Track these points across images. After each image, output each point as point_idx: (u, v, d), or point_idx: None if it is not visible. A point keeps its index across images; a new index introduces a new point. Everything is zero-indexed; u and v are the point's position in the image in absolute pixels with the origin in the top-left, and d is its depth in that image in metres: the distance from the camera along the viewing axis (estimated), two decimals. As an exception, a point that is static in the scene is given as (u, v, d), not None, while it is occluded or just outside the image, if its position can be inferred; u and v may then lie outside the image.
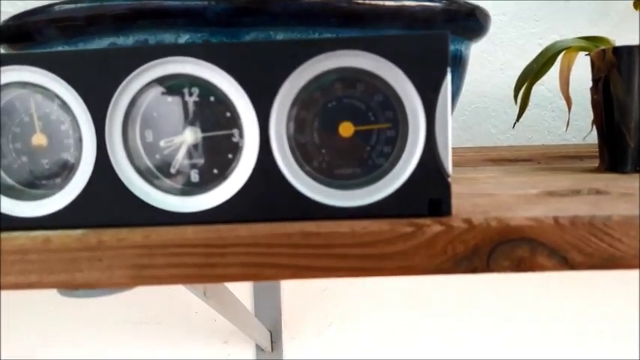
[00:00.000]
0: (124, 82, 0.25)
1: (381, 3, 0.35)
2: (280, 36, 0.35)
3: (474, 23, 0.41)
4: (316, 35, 0.36)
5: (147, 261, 0.24)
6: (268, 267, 0.24)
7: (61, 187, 0.26)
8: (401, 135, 0.25)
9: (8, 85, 0.25)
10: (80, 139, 0.25)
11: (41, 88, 0.25)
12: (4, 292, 0.79)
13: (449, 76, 0.24)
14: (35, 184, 0.26)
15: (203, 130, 0.26)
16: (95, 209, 0.25)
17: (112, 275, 0.24)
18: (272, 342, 0.78)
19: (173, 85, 0.25)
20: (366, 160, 0.26)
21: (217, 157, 0.26)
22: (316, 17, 0.35)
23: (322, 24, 0.35)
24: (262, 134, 0.25)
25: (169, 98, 0.26)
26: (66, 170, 0.26)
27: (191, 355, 0.80)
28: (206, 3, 0.34)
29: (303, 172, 0.25)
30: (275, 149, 0.25)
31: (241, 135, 0.25)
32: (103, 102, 0.25)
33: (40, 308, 0.79)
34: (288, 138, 0.25)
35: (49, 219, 0.26)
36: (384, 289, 0.78)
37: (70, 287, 0.24)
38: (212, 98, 0.26)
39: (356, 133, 0.25)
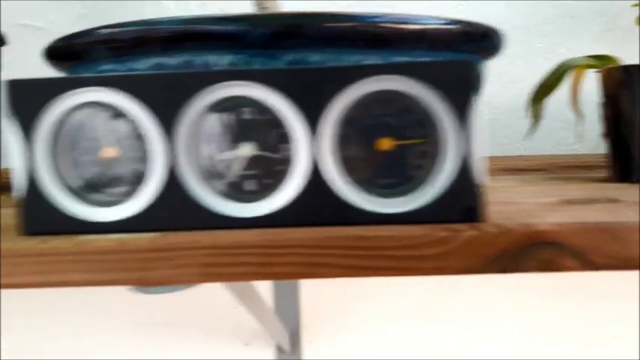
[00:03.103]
0: (192, 102, 0.28)
1: (405, 26, 0.38)
2: (315, 57, 0.38)
3: (489, 43, 0.45)
4: (346, 56, 0.39)
5: (213, 260, 0.27)
6: (321, 266, 0.27)
7: (132, 195, 0.29)
8: (436, 149, 0.28)
9: (85, 103, 0.29)
10: (150, 153, 0.28)
11: (114, 107, 0.28)
12: (26, 292, 0.82)
13: (477, 97, 0.28)
14: (108, 193, 0.29)
15: (259, 145, 0.29)
16: (164, 215, 0.28)
17: (182, 273, 0.27)
18: (291, 344, 0.80)
19: (234, 104, 0.29)
20: (404, 172, 0.29)
21: (272, 168, 0.29)
22: (346, 40, 0.38)
23: (351, 46, 0.39)
24: (313, 149, 0.28)
25: (229, 116, 0.29)
26: (137, 180, 0.29)
27: (212, 357, 0.82)
28: (248, 27, 0.37)
29: (349, 182, 0.28)
30: (324, 162, 0.28)
31: (294, 149, 0.28)
32: (172, 120, 0.28)
33: (62, 311, 0.82)
34: (336, 151, 0.28)
35: (122, 224, 0.29)
36: (401, 294, 0.81)
37: (144, 284, 0.27)
38: (268, 116, 0.29)
39: (396, 147, 0.29)
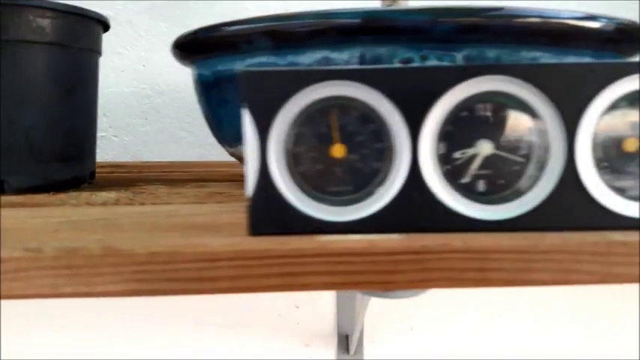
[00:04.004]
0: (441, 98, 0.27)
1: (592, 25, 0.37)
2: (492, 52, 0.37)
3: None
4: (523, 52, 0.38)
5: (466, 265, 0.26)
6: (576, 273, 0.26)
7: (371, 195, 0.27)
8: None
9: (323, 97, 0.27)
10: (395, 151, 0.27)
11: (357, 102, 0.27)
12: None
13: None
14: (333, 192, 0.28)
15: (497, 143, 0.28)
16: (404, 216, 0.27)
17: (431, 277, 0.26)
18: (355, 345, 0.79)
19: (480, 99, 0.27)
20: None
21: (507, 168, 0.28)
22: (530, 36, 0.37)
23: (532, 42, 0.37)
24: (568, 146, 0.27)
25: (466, 112, 0.28)
26: (369, 179, 0.27)
27: (272, 358, 0.81)
28: (435, 20, 0.35)
29: (606, 184, 0.27)
30: (582, 162, 0.27)
31: (543, 149, 0.27)
32: (419, 117, 0.27)
33: (122, 309, 0.79)
34: (592, 152, 0.27)
35: (358, 224, 0.27)
36: (463, 294, 0.80)
37: (390, 289, 0.26)
38: (511, 113, 0.27)
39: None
